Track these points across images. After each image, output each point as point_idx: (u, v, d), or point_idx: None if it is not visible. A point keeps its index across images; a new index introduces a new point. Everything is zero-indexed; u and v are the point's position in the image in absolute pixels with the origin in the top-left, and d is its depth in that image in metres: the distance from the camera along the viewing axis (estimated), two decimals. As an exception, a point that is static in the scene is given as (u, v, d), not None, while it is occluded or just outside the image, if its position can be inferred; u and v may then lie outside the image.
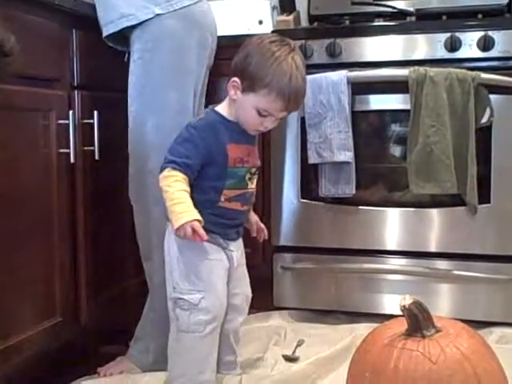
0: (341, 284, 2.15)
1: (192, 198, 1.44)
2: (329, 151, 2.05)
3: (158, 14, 1.61)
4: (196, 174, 1.46)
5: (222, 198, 1.49)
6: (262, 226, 1.67)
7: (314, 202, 2.16)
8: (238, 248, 1.59)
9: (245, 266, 1.64)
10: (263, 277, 2.17)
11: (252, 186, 1.55)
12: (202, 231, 1.38)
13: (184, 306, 1.47)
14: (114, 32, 1.67)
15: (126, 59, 1.73)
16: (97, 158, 1.71)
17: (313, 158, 2.09)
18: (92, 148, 1.70)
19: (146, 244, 1.70)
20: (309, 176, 2.16)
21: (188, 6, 1.64)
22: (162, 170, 1.44)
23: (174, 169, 1.42)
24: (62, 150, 1.62)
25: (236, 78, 1.45)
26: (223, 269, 1.53)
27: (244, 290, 1.62)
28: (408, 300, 1.20)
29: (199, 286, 1.47)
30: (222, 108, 1.52)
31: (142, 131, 1.63)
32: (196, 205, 1.43)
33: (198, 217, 1.39)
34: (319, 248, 2.17)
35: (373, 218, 2.11)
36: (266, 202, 2.14)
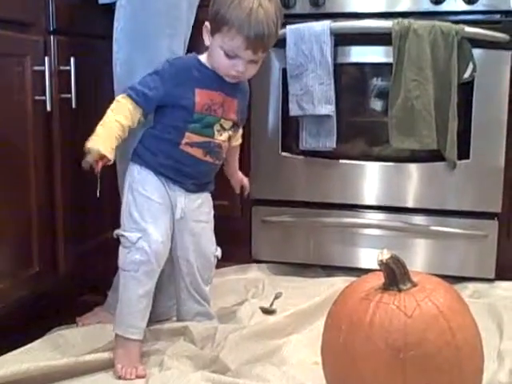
0: (319, 238, 2.17)
1: (154, 136, 1.51)
2: (310, 104, 2.04)
3: None
4: (152, 107, 1.49)
5: (183, 141, 1.50)
6: (246, 182, 1.73)
7: (294, 156, 2.16)
8: (192, 201, 1.58)
9: (207, 224, 1.63)
10: (241, 229, 2.20)
11: (220, 138, 1.54)
12: (96, 167, 1.39)
13: (125, 244, 1.50)
14: None
15: (101, 1, 1.69)
16: (74, 106, 1.69)
17: (294, 111, 2.08)
18: (69, 95, 1.67)
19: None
20: (290, 129, 2.16)
21: None
22: (123, 92, 1.49)
23: (129, 96, 1.46)
24: (37, 98, 1.60)
25: (206, 22, 1.48)
26: (168, 215, 1.54)
27: (199, 247, 1.62)
28: (385, 254, 1.21)
29: (139, 225, 1.49)
30: (204, 56, 1.54)
31: (131, 77, 1.58)
32: (154, 143, 1.50)
33: (100, 149, 1.39)
34: (298, 201, 2.18)
35: (352, 172, 2.12)
36: (246, 155, 2.13)
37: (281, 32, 1.94)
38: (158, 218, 1.51)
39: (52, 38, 1.65)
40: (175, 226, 1.57)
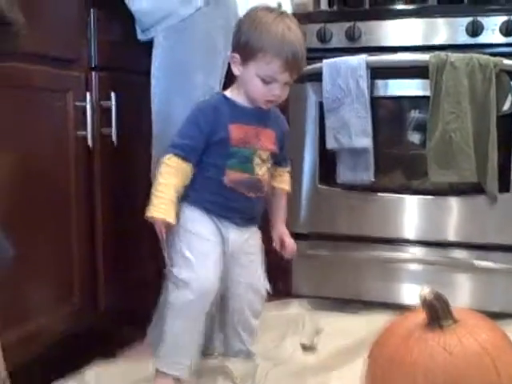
0: (359, 272, 2.15)
1: (198, 175, 1.49)
2: (347, 137, 2.04)
3: None
4: (199, 154, 1.49)
5: (225, 178, 1.50)
6: (288, 241, 1.66)
7: (332, 188, 2.16)
8: (241, 235, 1.57)
9: (255, 256, 1.62)
10: (281, 264, 2.13)
11: (260, 172, 1.53)
12: (161, 234, 1.42)
13: (174, 281, 1.49)
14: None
15: (140, 37, 1.71)
16: (114, 141, 1.70)
17: (331, 144, 2.08)
18: (110, 131, 1.69)
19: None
20: (327, 161, 2.15)
21: None
22: (166, 152, 1.47)
23: (176, 155, 1.45)
24: (79, 133, 1.61)
25: (234, 54, 1.48)
26: (218, 251, 1.52)
27: (250, 280, 1.61)
28: (427, 291, 1.19)
29: (190, 263, 1.48)
30: (230, 91, 1.54)
31: (169, 112, 1.61)
32: (199, 182, 1.49)
33: (165, 217, 1.42)
34: (337, 235, 2.16)
35: (391, 206, 2.10)
36: None
37: (317, 66, 2.08)
38: (208, 256, 1.50)
39: (93, 73, 1.67)
40: (225, 260, 1.55)
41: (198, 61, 1.62)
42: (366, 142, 2.03)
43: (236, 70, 1.50)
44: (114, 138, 1.70)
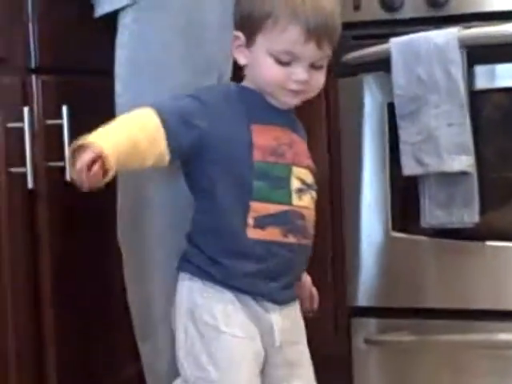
0: (457, 365, 2.11)
1: (203, 229, 1.49)
2: (434, 156, 2.01)
3: None
4: (186, 144, 1.45)
5: (250, 221, 1.46)
6: (315, 292, 1.72)
7: (413, 237, 2.15)
8: (286, 315, 1.55)
9: (302, 346, 1.61)
10: (336, 353, 2.20)
11: (301, 203, 1.52)
12: (95, 169, 1.30)
13: None
14: None
15: (96, 14, 1.73)
16: (68, 178, 1.64)
17: (409, 167, 2.06)
18: (61, 164, 1.67)
19: (145, 311, 1.70)
20: (403, 196, 2.17)
21: None
22: None
23: (155, 111, 1.44)
24: (13, 170, 1.62)
25: (237, 33, 1.51)
26: (254, 352, 1.50)
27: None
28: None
29: (211, 373, 1.46)
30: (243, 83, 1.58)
31: None
32: (210, 241, 1.48)
33: (105, 148, 1.31)
34: (422, 309, 2.15)
35: (506, 261, 2.07)
36: (337, 239, 2.15)
37: (382, 48, 2.09)
38: (239, 363, 1.48)
39: (34, 78, 1.68)
40: (268, 358, 1.55)
41: (181, 51, 1.63)
42: (464, 162, 1.99)
43: (241, 58, 1.52)
44: (66, 173, 1.65)
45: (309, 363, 1.62)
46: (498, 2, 2.05)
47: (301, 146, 1.56)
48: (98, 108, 1.70)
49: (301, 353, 1.60)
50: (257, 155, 1.46)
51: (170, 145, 1.43)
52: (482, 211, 2.02)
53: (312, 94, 1.53)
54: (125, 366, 1.92)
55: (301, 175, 1.52)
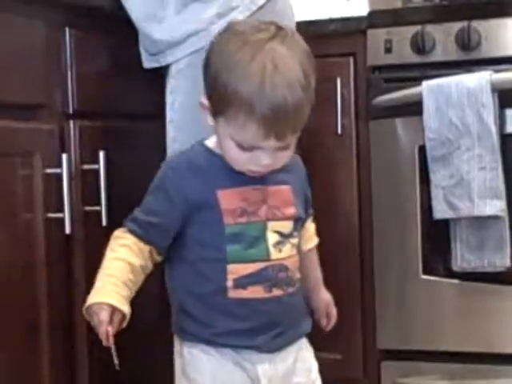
0: None
1: (186, 292, 1.49)
2: (466, 200, 2.04)
3: None
4: (170, 237, 1.47)
5: (230, 283, 1.45)
6: (334, 312, 1.70)
7: (443, 280, 2.16)
8: (282, 362, 1.52)
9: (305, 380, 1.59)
10: None
11: (283, 255, 1.50)
12: (102, 329, 1.31)
13: None
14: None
15: (147, 65, 1.75)
16: (104, 223, 1.69)
17: (440, 211, 2.07)
18: (97, 208, 1.69)
19: None
20: (435, 239, 2.17)
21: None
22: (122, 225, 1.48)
23: (131, 231, 1.45)
24: (51, 215, 1.62)
25: (203, 100, 1.45)
26: None
27: None
28: None
29: None
30: (213, 141, 1.52)
31: None
32: (190, 303, 1.48)
33: (109, 300, 1.34)
34: (452, 353, 2.15)
35: None
36: (367, 282, 2.13)
37: (414, 91, 2.11)
38: None
39: (71, 123, 1.69)
40: None
41: None
42: (497, 206, 2.02)
43: (209, 120, 1.45)
44: (103, 217, 1.69)
45: None
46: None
47: (281, 195, 1.51)
48: (137, 154, 1.74)
49: None
50: (226, 219, 1.44)
51: (159, 253, 1.47)
52: (513, 256, 2.04)
53: (279, 167, 1.46)
54: None
55: (277, 228, 1.49)
